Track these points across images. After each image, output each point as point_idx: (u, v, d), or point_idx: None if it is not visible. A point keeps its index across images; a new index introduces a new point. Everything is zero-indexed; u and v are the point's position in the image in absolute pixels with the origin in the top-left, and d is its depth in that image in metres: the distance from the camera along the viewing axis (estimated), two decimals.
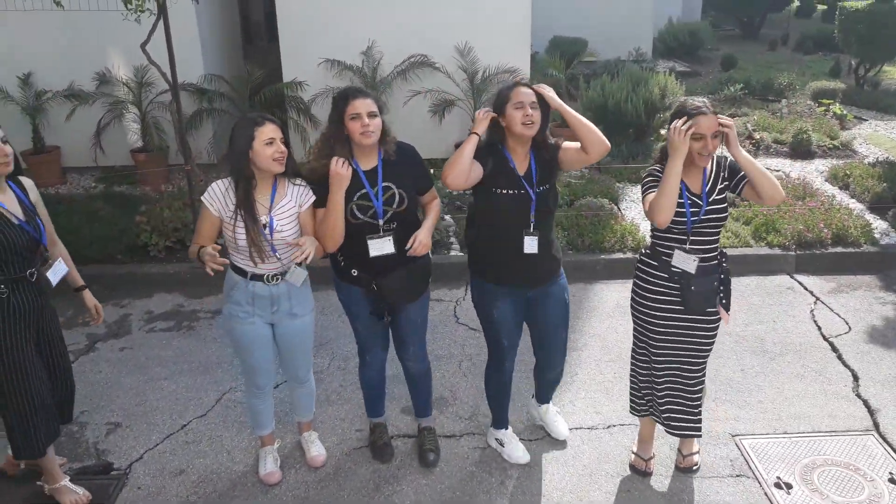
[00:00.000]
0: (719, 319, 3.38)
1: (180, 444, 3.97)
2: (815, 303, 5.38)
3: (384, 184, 3.27)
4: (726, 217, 3.27)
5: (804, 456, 3.80)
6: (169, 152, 7.76)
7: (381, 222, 3.27)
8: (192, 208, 5.90)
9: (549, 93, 3.25)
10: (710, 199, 3.21)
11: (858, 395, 4.30)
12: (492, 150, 3.32)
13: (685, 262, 3.25)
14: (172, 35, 5.54)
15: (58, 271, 3.38)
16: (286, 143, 3.19)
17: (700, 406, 3.54)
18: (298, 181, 3.30)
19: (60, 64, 7.65)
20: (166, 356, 4.81)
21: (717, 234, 3.29)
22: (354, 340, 3.69)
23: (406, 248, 3.26)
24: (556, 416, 3.98)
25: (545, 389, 3.92)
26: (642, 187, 3.30)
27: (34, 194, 3.33)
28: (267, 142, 3.11)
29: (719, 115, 3.14)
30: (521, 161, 3.33)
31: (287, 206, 3.25)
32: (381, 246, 3.31)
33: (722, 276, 3.30)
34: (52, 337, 3.40)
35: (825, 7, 21.51)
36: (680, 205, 3.18)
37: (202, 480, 3.70)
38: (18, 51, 7.63)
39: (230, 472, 3.76)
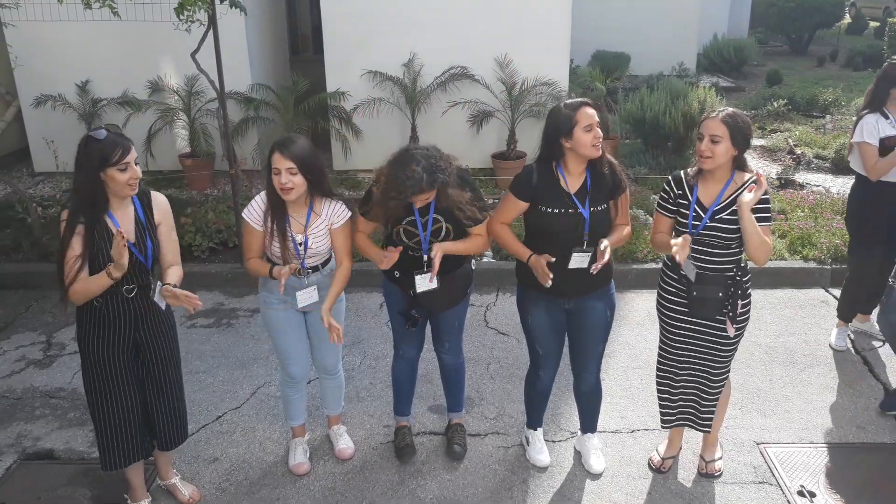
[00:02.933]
0: (740, 330, 3.40)
1: (215, 433, 4.13)
2: None
3: (434, 215, 3.34)
4: (735, 235, 3.21)
5: (829, 465, 3.78)
6: (215, 158, 8.04)
7: (424, 255, 3.34)
8: (237, 211, 6.11)
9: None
10: (717, 217, 3.22)
11: None
12: (543, 166, 3.33)
13: (687, 268, 3.31)
14: (221, 45, 5.77)
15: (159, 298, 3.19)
16: (307, 171, 3.21)
17: (713, 410, 3.58)
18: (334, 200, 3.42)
19: (116, 72, 8.01)
20: (205, 351, 5.00)
21: (724, 248, 3.24)
22: (386, 341, 3.79)
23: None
24: (595, 451, 3.83)
25: (584, 412, 3.83)
26: (659, 198, 3.42)
27: (160, 213, 3.18)
28: (274, 172, 3.21)
29: (761, 175, 3.15)
30: (575, 179, 3.31)
31: (321, 226, 3.40)
32: (425, 282, 3.35)
33: (732, 289, 3.28)
34: (155, 360, 3.28)
35: (877, 24, 21.10)
36: (685, 215, 3.27)
37: (234, 468, 3.85)
38: (77, 59, 8.02)
39: (261, 461, 3.90)
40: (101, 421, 3.25)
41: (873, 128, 4.36)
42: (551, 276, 3.20)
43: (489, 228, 3.46)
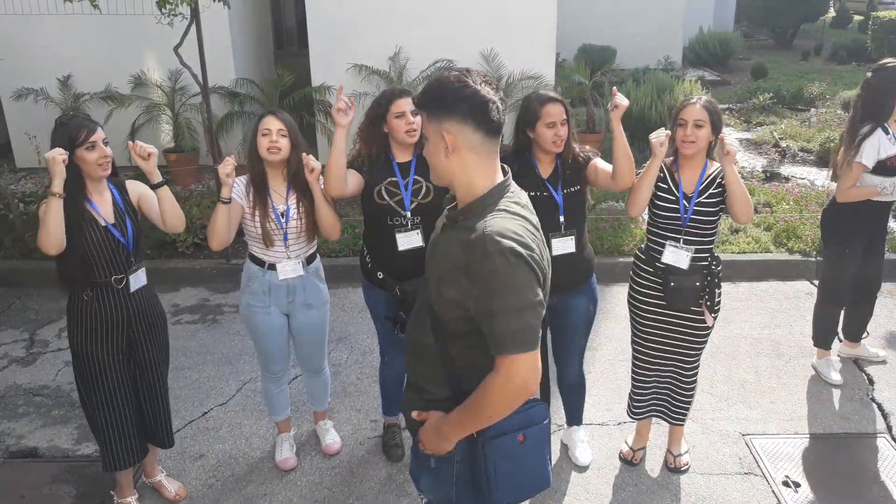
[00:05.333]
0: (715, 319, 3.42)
1: (201, 430, 4.11)
2: None
3: (415, 176, 3.35)
4: (713, 221, 3.29)
5: (814, 456, 3.81)
6: (200, 153, 7.97)
7: (408, 213, 3.34)
8: None
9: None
10: (697, 201, 3.27)
11: (873, 399, 4.29)
12: (518, 155, 3.37)
13: (677, 258, 3.31)
14: (205, 39, 5.72)
15: (136, 280, 3.19)
16: (294, 137, 3.29)
17: (689, 403, 3.62)
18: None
19: (98, 67, 7.92)
20: (190, 347, 4.97)
21: (704, 234, 3.30)
22: (372, 336, 3.77)
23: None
24: (581, 443, 3.85)
25: (568, 404, 3.85)
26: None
27: (135, 192, 3.22)
28: (263, 132, 3.25)
29: (725, 138, 3.19)
30: (546, 165, 3.35)
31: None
32: (408, 239, 3.36)
33: (708, 279, 3.32)
34: (147, 356, 3.26)
35: (861, 18, 21.24)
36: (661, 198, 3.31)
37: (221, 465, 3.83)
38: (58, 54, 7.92)
39: (248, 457, 3.88)
40: (100, 422, 3.21)
41: (875, 149, 3.94)
42: None
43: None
